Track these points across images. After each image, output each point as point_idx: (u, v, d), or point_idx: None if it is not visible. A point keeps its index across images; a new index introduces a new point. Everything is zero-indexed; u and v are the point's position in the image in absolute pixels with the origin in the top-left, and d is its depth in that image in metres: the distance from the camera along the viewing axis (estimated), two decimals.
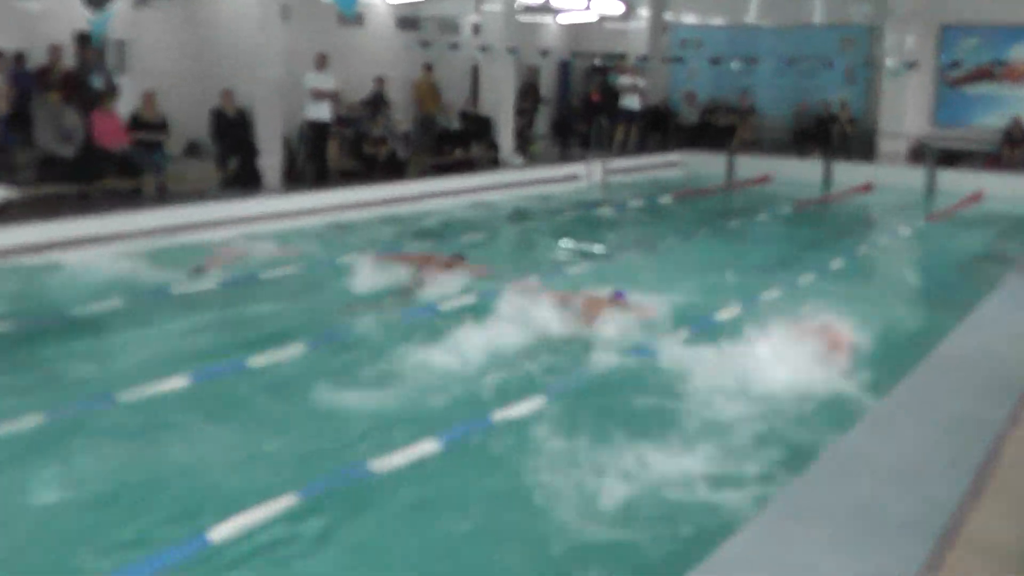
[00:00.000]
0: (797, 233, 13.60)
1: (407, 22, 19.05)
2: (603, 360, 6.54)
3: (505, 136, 17.60)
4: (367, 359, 6.48)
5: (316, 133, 13.95)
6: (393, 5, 18.51)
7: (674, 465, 4.81)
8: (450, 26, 19.88)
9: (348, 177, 14.48)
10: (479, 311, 7.37)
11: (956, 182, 17.14)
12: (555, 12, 21.59)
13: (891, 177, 17.90)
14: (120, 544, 4.17)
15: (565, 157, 19.05)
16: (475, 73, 19.73)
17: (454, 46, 18.95)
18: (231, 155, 13.21)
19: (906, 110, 19.51)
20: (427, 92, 17.22)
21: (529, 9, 20.17)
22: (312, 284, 9.04)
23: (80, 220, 10.35)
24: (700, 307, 8.04)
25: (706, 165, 19.55)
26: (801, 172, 18.71)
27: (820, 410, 5.64)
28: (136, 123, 12.39)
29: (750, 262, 10.86)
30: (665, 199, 15.87)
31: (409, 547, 4.21)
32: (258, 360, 6.50)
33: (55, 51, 12.87)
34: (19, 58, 12.74)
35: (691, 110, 22.02)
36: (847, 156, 19.33)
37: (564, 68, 23.59)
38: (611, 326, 7.05)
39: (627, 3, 21.69)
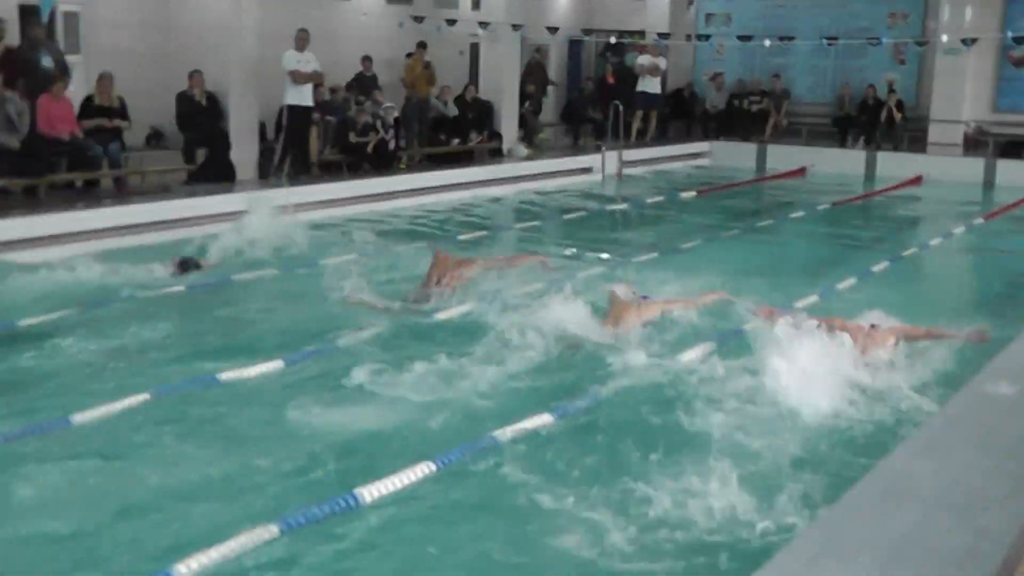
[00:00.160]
0: (837, 233, 13.59)
1: None
2: None
3: (508, 124, 17.63)
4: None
5: (296, 120, 13.97)
6: None
7: None
8: None
9: (331, 169, 14.51)
10: None
11: (1019, 175, 17.12)
12: None
13: (944, 169, 17.91)
14: None
15: (576, 148, 19.07)
16: (475, 53, 19.77)
17: (451, 22, 18.99)
18: (199, 145, 13.25)
19: (963, 94, 19.51)
20: (421, 74, 17.25)
21: None
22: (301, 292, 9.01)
23: (27, 218, 10.38)
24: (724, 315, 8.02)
25: (735, 156, 19.56)
26: (842, 163, 18.72)
27: (865, 430, 5.64)
28: (90, 109, 12.42)
29: (784, 267, 10.91)
30: (688, 195, 15.87)
31: None
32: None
33: None
34: None
35: (718, 94, 22.02)
36: (895, 146, 19.35)
37: (575, 47, 23.63)
38: None
39: None
